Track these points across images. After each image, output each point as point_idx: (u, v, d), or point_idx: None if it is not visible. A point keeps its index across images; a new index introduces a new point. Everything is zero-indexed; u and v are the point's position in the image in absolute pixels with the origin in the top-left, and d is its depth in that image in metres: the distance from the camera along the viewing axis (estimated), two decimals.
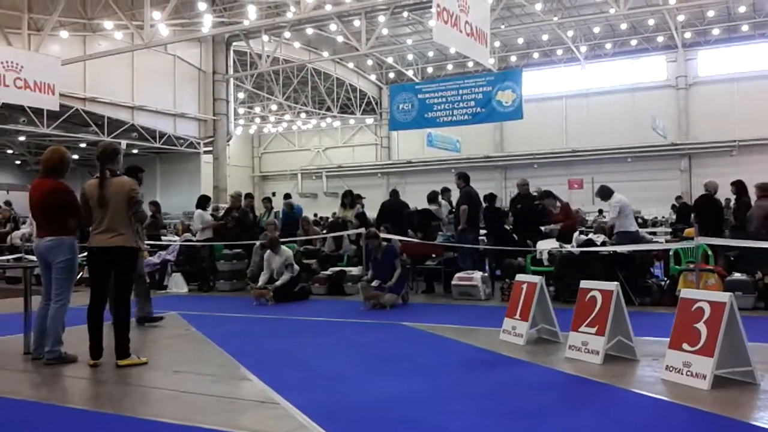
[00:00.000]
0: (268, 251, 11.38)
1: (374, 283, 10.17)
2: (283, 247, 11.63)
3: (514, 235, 12.10)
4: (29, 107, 22.59)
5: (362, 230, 12.06)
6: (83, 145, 29.83)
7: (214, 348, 7.07)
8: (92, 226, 6.26)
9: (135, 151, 32.10)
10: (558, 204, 12.33)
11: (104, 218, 6.15)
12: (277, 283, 11.02)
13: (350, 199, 14.35)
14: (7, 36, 21.81)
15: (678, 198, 22.57)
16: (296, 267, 11.49)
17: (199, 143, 30.40)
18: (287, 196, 16.53)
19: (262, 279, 11.20)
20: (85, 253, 6.47)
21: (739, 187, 11.83)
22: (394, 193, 14.45)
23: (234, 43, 29.84)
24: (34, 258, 6.89)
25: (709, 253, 10.02)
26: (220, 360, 6.45)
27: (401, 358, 6.45)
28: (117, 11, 22.43)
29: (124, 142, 28.45)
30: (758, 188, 10.94)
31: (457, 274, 11.20)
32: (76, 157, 28.67)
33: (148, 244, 14.22)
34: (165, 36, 23.71)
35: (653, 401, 4.78)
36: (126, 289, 6.32)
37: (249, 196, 14.56)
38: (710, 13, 30.23)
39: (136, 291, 8.42)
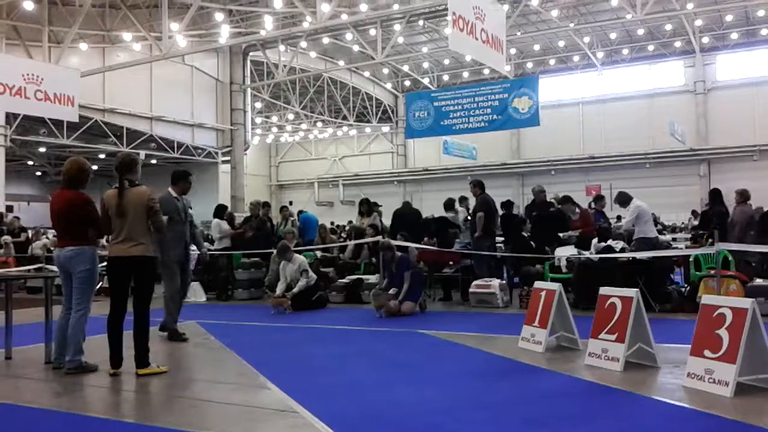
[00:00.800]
0: (283, 261, 11.41)
1: (392, 291, 10.17)
2: (296, 254, 11.64)
3: (532, 243, 12.05)
4: (49, 119, 22.96)
5: (379, 238, 12.07)
6: (102, 156, 30.14)
7: (233, 357, 7.10)
8: (112, 236, 6.32)
9: (153, 161, 32.33)
10: (577, 210, 12.25)
11: (123, 228, 6.21)
12: (294, 290, 11.03)
13: (367, 207, 14.36)
14: (28, 48, 22.13)
15: (707, 204, 22.27)
16: (312, 274, 11.49)
17: (216, 153, 30.62)
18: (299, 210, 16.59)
19: (280, 288, 11.21)
20: (105, 263, 6.52)
21: (713, 195, 11.83)
22: (406, 204, 14.50)
23: (251, 53, 30.06)
24: (54, 268, 6.95)
25: (730, 258, 9.92)
26: (239, 369, 6.47)
27: (420, 367, 6.43)
28: (135, 23, 22.72)
29: (142, 153, 28.71)
30: (738, 194, 10.98)
31: (475, 282, 11.16)
32: (95, 167, 28.90)
33: None
34: (183, 47, 23.96)
35: (675, 408, 4.73)
36: (146, 298, 6.35)
37: (266, 205, 14.63)
38: (728, 18, 29.99)
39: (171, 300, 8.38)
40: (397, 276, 10.36)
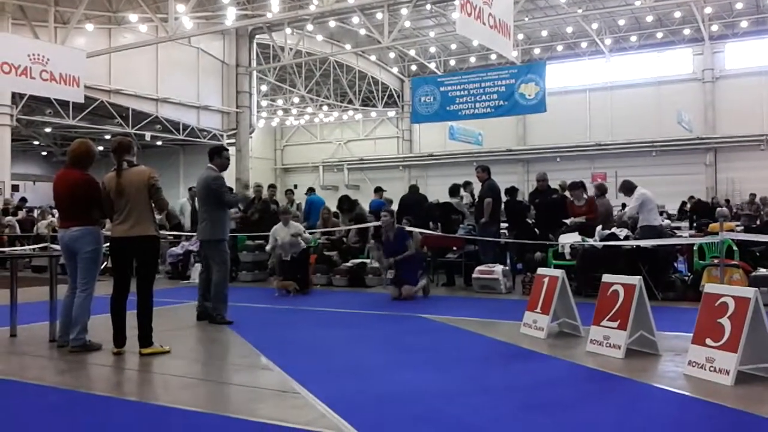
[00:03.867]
0: (279, 224, 11.40)
1: (389, 272, 10.24)
2: (294, 222, 11.66)
3: (536, 229, 12.03)
4: (55, 99, 22.98)
5: (379, 223, 12.09)
6: (108, 136, 30.14)
7: (235, 338, 7.13)
8: (114, 217, 6.33)
9: (159, 143, 32.40)
10: (585, 196, 12.16)
11: (124, 209, 6.21)
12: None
13: (348, 205, 14.39)
14: (34, 29, 22.06)
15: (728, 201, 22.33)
16: (303, 241, 11.34)
17: (222, 135, 30.60)
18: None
19: (268, 247, 11.44)
20: (108, 243, 6.55)
21: (598, 188, 12.80)
22: (413, 188, 14.51)
23: (257, 36, 29.93)
24: (58, 247, 6.97)
25: (734, 248, 9.91)
26: (241, 350, 6.51)
27: (422, 351, 6.45)
28: (141, 4, 22.61)
29: (148, 134, 28.78)
30: (597, 188, 12.53)
31: (478, 268, 11.17)
32: (100, 148, 28.91)
33: (171, 235, 14.45)
34: (189, 29, 23.84)
35: (675, 396, 4.74)
36: (149, 278, 6.37)
37: (272, 187, 14.65)
38: (738, 6, 29.69)
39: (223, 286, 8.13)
40: (393, 245, 10.37)
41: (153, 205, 6.33)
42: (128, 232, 6.21)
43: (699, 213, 17.81)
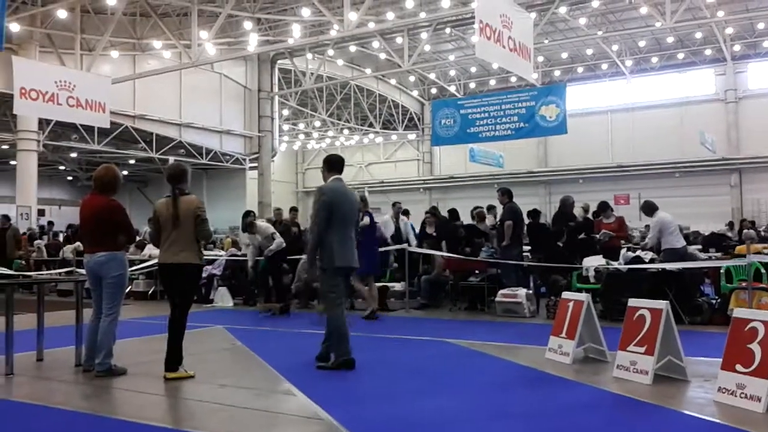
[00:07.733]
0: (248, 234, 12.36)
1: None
2: (259, 224, 12.48)
3: (564, 253, 11.95)
4: (81, 125, 23.34)
5: (405, 246, 12.08)
6: (132, 161, 30.60)
7: (259, 362, 7.13)
8: (161, 244, 6.40)
9: None
10: (613, 215, 12.27)
11: (172, 235, 6.30)
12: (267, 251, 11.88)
13: None
14: (61, 56, 22.52)
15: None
16: (279, 240, 11.96)
17: (244, 159, 30.90)
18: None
19: (251, 262, 12.45)
20: (133, 268, 6.61)
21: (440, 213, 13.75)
22: (434, 209, 14.55)
23: (279, 61, 30.34)
24: (85, 271, 7.04)
25: (762, 271, 9.74)
26: (264, 374, 6.50)
27: (445, 376, 6.41)
28: (165, 31, 22.99)
29: (171, 158, 29.08)
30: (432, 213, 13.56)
31: (501, 291, 11.09)
32: (125, 173, 29.38)
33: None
34: (212, 55, 24.20)
35: (706, 424, 4.65)
36: (185, 303, 6.43)
37: (293, 210, 14.67)
38: (760, 26, 29.50)
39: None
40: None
41: (196, 234, 6.39)
42: (173, 259, 6.29)
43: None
